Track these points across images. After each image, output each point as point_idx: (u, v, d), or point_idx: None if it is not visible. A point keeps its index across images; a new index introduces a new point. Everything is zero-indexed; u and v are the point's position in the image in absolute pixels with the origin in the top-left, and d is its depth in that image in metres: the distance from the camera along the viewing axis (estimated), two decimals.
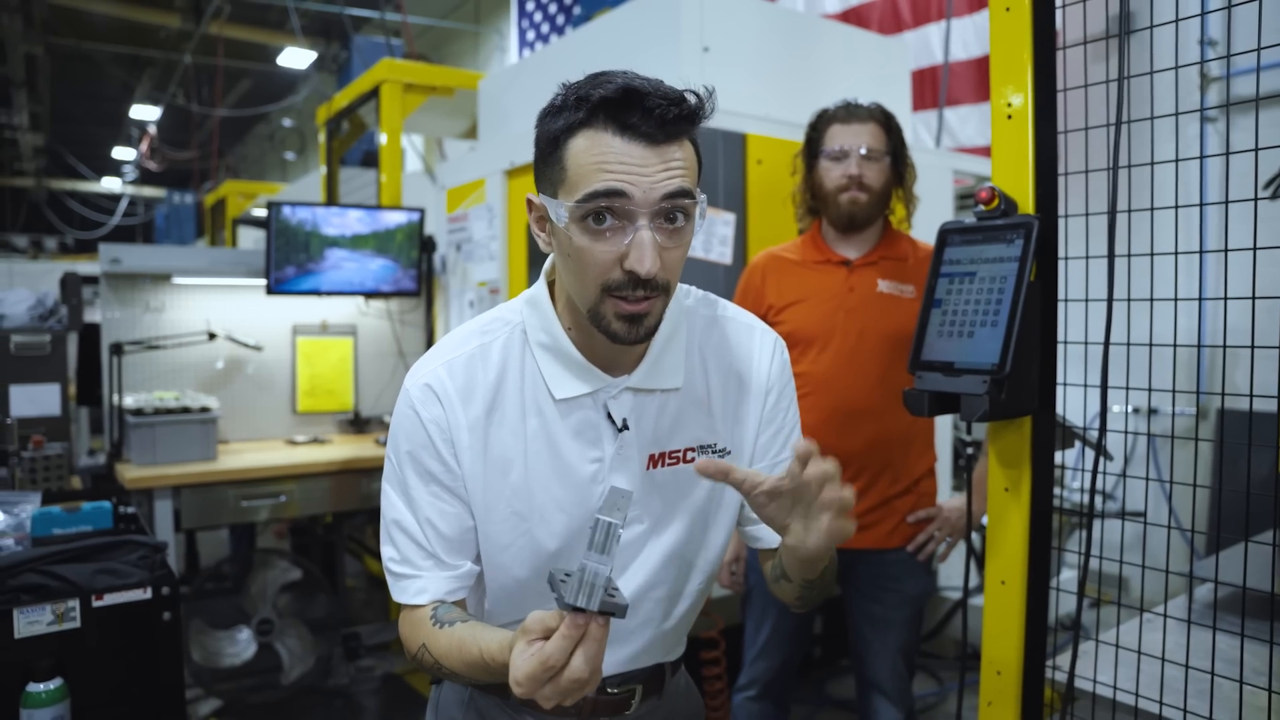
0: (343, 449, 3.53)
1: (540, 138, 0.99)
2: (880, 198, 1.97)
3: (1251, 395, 1.22)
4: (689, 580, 1.13)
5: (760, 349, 1.14)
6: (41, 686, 1.49)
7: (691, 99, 0.94)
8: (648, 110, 0.90)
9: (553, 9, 5.54)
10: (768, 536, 1.15)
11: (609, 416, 1.04)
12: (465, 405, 1.03)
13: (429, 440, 1.03)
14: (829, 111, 2.00)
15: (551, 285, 1.07)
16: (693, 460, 1.09)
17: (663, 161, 0.92)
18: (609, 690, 1.11)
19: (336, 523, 3.64)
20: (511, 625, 1.06)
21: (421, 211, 3.74)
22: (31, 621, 1.52)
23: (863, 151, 1.92)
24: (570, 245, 0.95)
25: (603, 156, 0.92)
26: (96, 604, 1.59)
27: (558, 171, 0.96)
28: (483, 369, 1.04)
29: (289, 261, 3.45)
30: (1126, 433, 3.38)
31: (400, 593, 1.05)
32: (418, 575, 1.04)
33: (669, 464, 1.08)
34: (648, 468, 1.07)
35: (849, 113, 1.97)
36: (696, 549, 1.12)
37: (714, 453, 1.11)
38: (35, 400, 3.11)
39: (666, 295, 0.98)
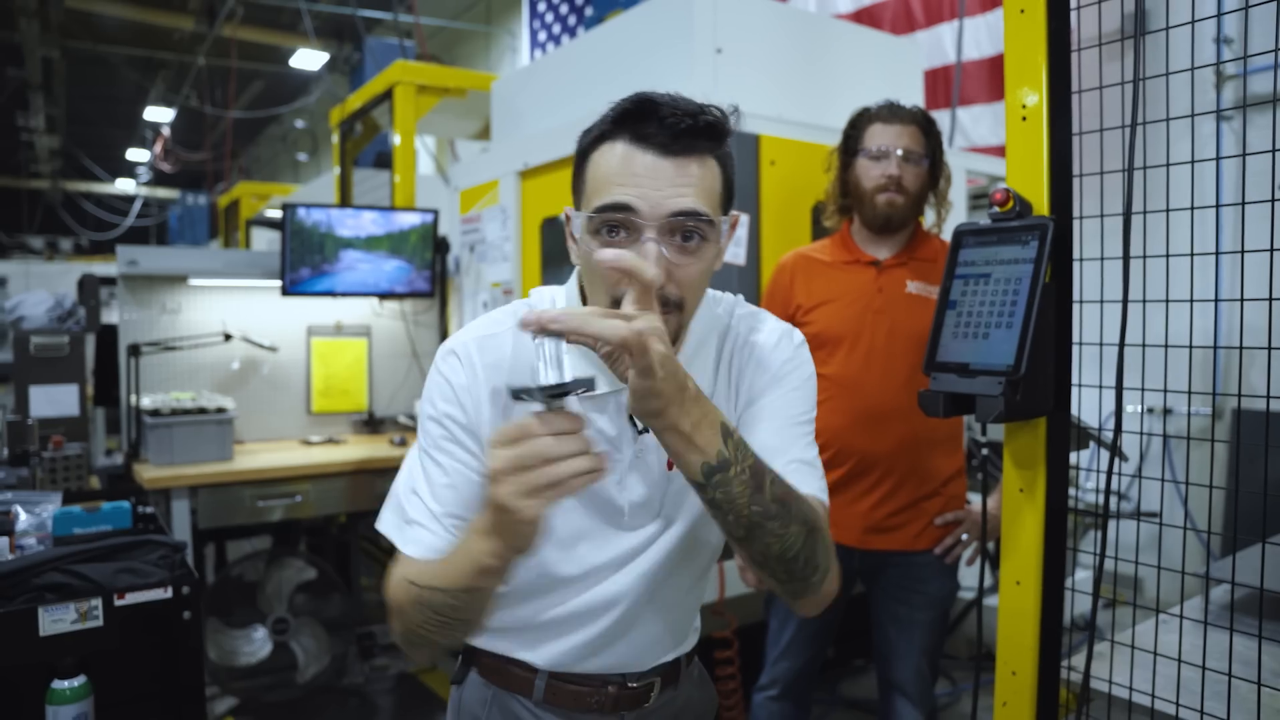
0: (357, 449, 3.55)
1: (576, 155, 1.02)
2: (916, 200, 1.97)
3: (1269, 396, 1.22)
4: (693, 562, 1.15)
5: (773, 341, 1.13)
6: (66, 684, 1.51)
7: (711, 114, 0.95)
8: (661, 120, 0.92)
9: (564, 10, 5.56)
10: None
11: (630, 419, 1.05)
12: (490, 378, 1.03)
13: (456, 402, 1.03)
14: (870, 110, 2.00)
15: (584, 288, 1.08)
16: None
17: (677, 175, 0.93)
18: (629, 685, 1.13)
19: (351, 522, 3.66)
20: (522, 606, 1.09)
21: (435, 213, 3.76)
22: (56, 620, 1.54)
23: (899, 153, 1.92)
24: (585, 256, 0.98)
25: (617, 168, 0.94)
26: (118, 603, 1.61)
27: (581, 184, 1.00)
28: (513, 349, 1.05)
29: (304, 263, 3.47)
30: (1142, 433, 3.37)
31: (406, 544, 1.02)
32: (425, 528, 1.02)
33: None
34: (669, 468, 1.08)
35: (891, 113, 1.96)
36: (699, 535, 1.14)
37: None
38: (54, 400, 3.14)
39: (680, 313, 0.98)
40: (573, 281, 1.10)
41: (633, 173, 0.93)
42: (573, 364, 1.01)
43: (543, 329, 0.78)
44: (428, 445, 1.05)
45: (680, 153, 0.93)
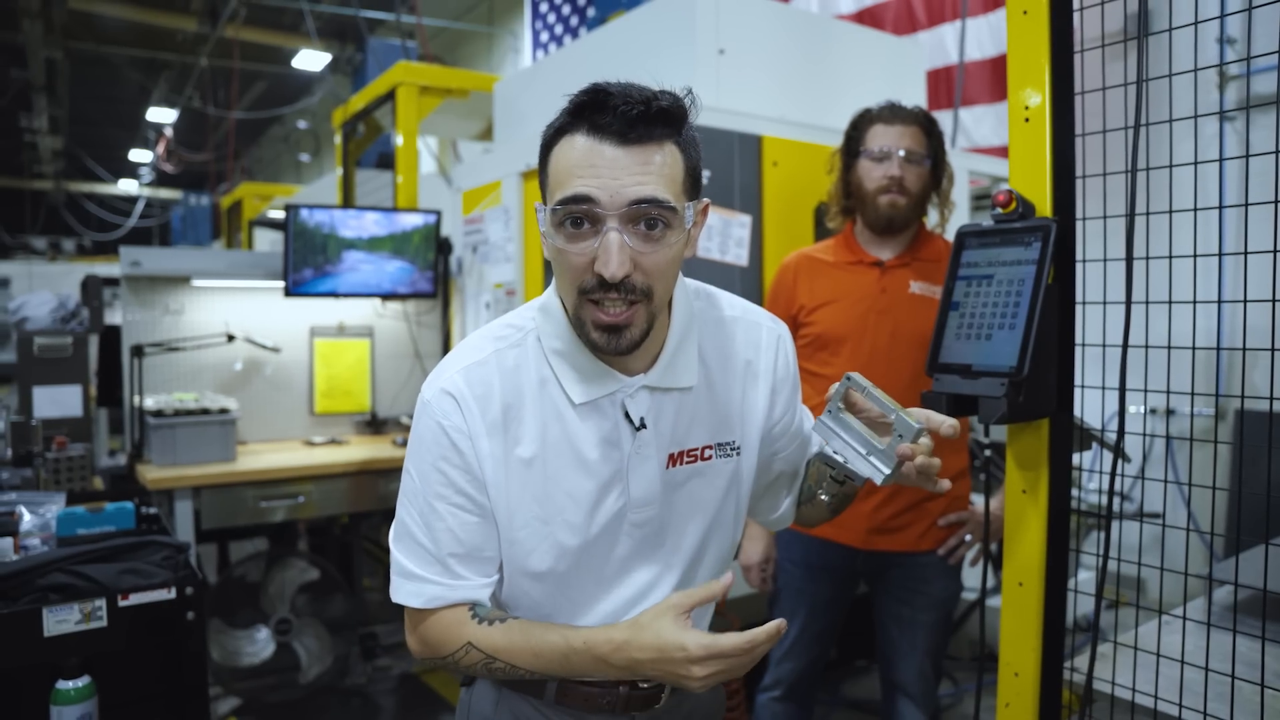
0: (360, 450, 3.56)
1: (539, 151, 1.01)
2: (919, 201, 1.97)
3: (1271, 396, 1.22)
4: (699, 569, 1.16)
5: (765, 344, 1.16)
6: (70, 684, 1.51)
7: (664, 99, 0.94)
8: (615, 109, 0.92)
9: (566, 10, 5.55)
10: (785, 503, 1.30)
11: (627, 416, 1.06)
12: (484, 412, 1.03)
13: (453, 447, 1.03)
14: (872, 111, 1.99)
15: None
16: (710, 458, 1.11)
17: (636, 164, 0.93)
18: (640, 686, 1.12)
19: (353, 523, 3.67)
20: (529, 614, 1.09)
21: (438, 213, 3.77)
22: (60, 620, 1.54)
23: (901, 154, 1.92)
24: (552, 250, 0.98)
25: (576, 160, 0.94)
26: (122, 603, 1.61)
27: (545, 179, 1.00)
28: (499, 375, 1.05)
29: (307, 264, 3.48)
30: (1145, 434, 3.36)
31: (410, 596, 1.05)
32: (427, 580, 1.04)
33: (687, 462, 1.10)
34: (667, 466, 1.08)
35: (893, 113, 1.96)
36: (710, 539, 1.15)
37: (731, 449, 1.13)
38: (58, 401, 3.15)
39: (649, 301, 0.97)
40: (550, 292, 1.09)
41: (591, 163, 0.93)
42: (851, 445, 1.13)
43: (924, 475, 1.11)
44: (425, 493, 1.05)
45: (638, 140, 0.93)
